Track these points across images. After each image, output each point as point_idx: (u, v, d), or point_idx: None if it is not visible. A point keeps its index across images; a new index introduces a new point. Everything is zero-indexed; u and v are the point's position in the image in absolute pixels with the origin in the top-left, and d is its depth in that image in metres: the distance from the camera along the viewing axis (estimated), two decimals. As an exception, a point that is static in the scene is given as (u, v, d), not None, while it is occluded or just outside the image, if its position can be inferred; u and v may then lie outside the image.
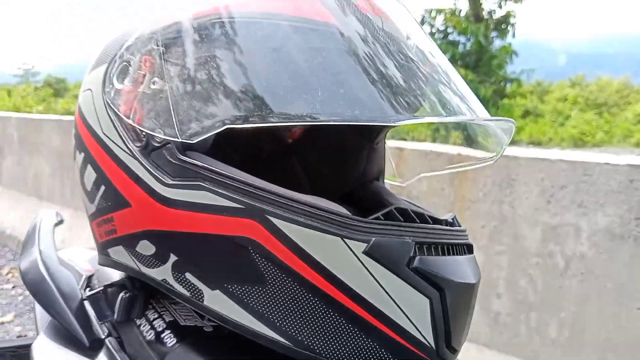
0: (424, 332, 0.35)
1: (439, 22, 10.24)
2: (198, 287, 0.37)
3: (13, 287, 3.32)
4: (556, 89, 31.45)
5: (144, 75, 0.38)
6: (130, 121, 0.39)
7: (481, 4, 10.45)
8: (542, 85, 31.81)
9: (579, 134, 20.70)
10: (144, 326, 0.43)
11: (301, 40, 0.36)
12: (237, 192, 0.34)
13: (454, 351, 0.38)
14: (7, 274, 3.56)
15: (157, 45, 0.38)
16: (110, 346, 0.44)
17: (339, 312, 0.34)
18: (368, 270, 0.34)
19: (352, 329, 0.34)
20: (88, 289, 0.51)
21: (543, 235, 1.55)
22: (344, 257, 0.34)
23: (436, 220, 0.41)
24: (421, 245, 0.36)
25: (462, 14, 10.37)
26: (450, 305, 0.36)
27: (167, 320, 0.42)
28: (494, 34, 10.44)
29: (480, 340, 1.70)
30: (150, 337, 0.42)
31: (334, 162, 0.52)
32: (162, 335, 0.41)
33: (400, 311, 0.35)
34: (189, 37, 0.37)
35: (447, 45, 9.97)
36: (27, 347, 0.57)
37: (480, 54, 10.09)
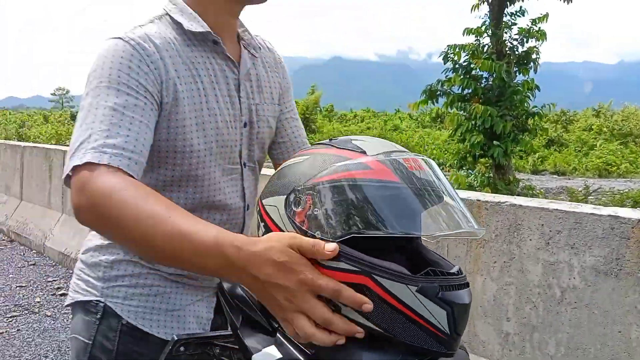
0: (444, 326, 0.74)
1: (462, 57, 10.59)
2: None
3: (83, 305, 3.78)
4: (581, 118, 31.32)
5: (309, 206, 0.78)
6: (302, 227, 0.79)
7: (504, 41, 10.78)
8: (566, 115, 31.74)
9: (603, 164, 20.64)
10: None
11: (383, 191, 0.77)
12: (358, 264, 0.74)
13: (458, 335, 0.76)
14: (76, 293, 4.03)
15: (315, 192, 0.78)
16: (280, 329, 0.84)
17: (406, 317, 0.74)
18: (418, 299, 0.74)
19: (411, 324, 0.74)
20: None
21: (543, 270, 1.92)
22: (407, 293, 0.73)
23: (450, 273, 0.80)
24: (443, 286, 0.75)
25: (485, 49, 10.71)
26: (456, 313, 0.75)
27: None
28: (515, 69, 10.75)
29: (494, 356, 2.05)
30: None
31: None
32: None
33: (433, 317, 0.74)
34: (330, 190, 0.77)
35: (469, 80, 10.30)
36: (227, 337, 0.98)
37: (502, 89, 10.38)
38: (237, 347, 1.00)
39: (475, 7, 10.97)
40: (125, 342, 1.03)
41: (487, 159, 10.10)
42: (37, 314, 3.58)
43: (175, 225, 0.72)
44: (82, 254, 1.10)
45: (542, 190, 12.21)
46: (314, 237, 0.74)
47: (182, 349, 1.02)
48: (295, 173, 0.81)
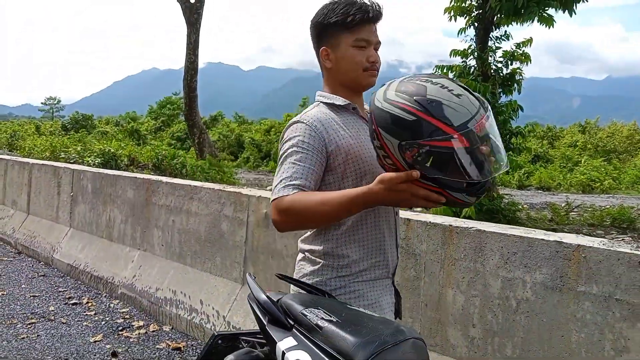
0: (471, 201, 1.25)
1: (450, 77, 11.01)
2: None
3: (95, 313, 4.10)
4: (567, 134, 32.02)
5: (415, 153, 1.20)
6: (409, 161, 1.21)
7: (489, 64, 11.24)
8: (552, 131, 32.47)
9: (587, 180, 21.21)
10: (309, 318, 1.19)
11: (457, 154, 1.19)
12: (438, 183, 1.21)
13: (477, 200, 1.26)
14: (87, 302, 4.34)
15: (419, 148, 1.19)
16: (295, 326, 1.20)
17: (457, 202, 1.24)
18: (465, 194, 1.24)
19: (459, 202, 1.25)
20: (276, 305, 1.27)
21: (502, 285, 2.30)
22: (460, 195, 1.24)
23: (478, 182, 1.23)
24: (474, 190, 1.24)
25: (471, 70, 11.17)
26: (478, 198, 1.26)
27: (319, 317, 1.19)
28: (500, 90, 11.21)
29: (462, 357, 2.42)
30: (315, 322, 1.18)
31: None
32: (319, 322, 1.17)
33: (468, 201, 1.25)
34: (428, 150, 1.19)
35: (456, 101, 10.71)
36: (252, 334, 1.33)
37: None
38: (260, 340, 1.37)
39: (463, 30, 11.45)
40: None
41: (472, 176, 10.49)
42: (53, 321, 3.89)
43: (334, 199, 1.32)
44: (299, 277, 1.57)
45: (525, 206, 12.66)
46: (413, 167, 1.21)
47: (219, 341, 1.38)
48: (406, 128, 1.22)
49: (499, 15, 10.88)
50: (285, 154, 1.46)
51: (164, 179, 4.28)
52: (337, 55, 1.53)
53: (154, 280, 4.11)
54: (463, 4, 11.40)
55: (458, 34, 11.35)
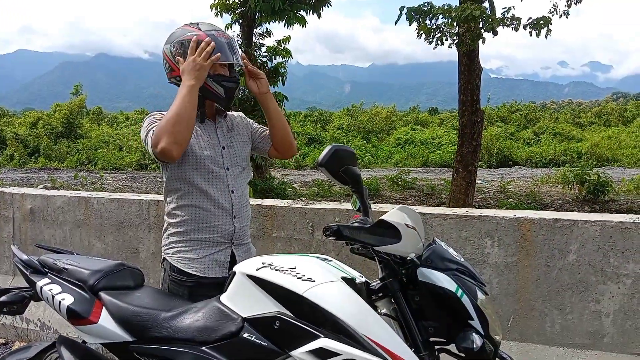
0: (223, 94, 2.03)
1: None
2: None
3: None
4: (336, 118, 35.87)
5: (177, 45, 2.04)
6: (175, 54, 2.02)
7: (256, 58, 12.33)
8: (324, 115, 36.05)
9: (351, 157, 24.16)
10: (59, 265, 1.81)
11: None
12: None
13: (230, 99, 2.11)
14: None
15: (179, 43, 2.01)
16: (49, 271, 1.80)
17: (213, 93, 2.02)
18: (214, 82, 2.00)
19: (214, 94, 2.03)
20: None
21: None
22: (213, 83, 2.01)
23: (234, 78, 2.05)
24: (223, 80, 2.02)
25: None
26: (229, 90, 2.05)
27: (66, 263, 1.82)
28: (266, 82, 12.38)
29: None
30: (62, 267, 1.80)
31: None
32: (66, 266, 1.81)
33: (222, 91, 2.04)
34: (180, 43, 1.99)
35: (227, 92, 11.60)
36: (22, 288, 1.88)
37: (255, 99, 11.96)
38: (27, 290, 1.94)
39: (229, 26, 12.30)
40: (173, 275, 2.02)
41: (247, 160, 11.56)
42: None
43: (176, 98, 1.87)
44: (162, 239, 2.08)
45: (298, 184, 14.35)
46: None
47: (-7, 294, 1.91)
48: (176, 35, 1.97)
49: (259, 14, 11.93)
50: (148, 124, 1.94)
51: None
52: None
53: None
54: (227, 2, 12.17)
55: (224, 29, 12.16)
